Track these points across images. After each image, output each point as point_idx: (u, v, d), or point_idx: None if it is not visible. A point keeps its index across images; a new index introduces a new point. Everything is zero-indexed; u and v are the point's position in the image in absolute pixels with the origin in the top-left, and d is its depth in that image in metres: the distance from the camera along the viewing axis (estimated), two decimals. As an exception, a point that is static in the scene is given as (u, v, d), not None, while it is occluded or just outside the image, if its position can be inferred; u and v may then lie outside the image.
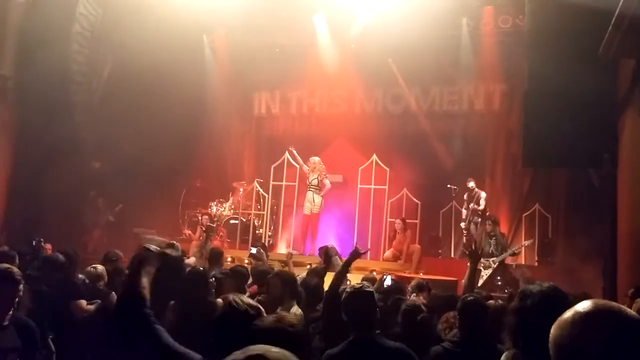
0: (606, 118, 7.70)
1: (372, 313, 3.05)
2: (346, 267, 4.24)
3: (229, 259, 9.15)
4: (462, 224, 10.48)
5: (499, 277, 9.14)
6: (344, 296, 3.19)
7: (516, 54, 10.35)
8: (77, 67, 10.63)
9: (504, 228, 10.99)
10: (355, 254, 4.44)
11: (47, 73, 9.70)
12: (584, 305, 1.23)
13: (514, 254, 9.28)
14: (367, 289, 3.19)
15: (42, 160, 9.96)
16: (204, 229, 7.69)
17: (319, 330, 3.68)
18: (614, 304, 1.24)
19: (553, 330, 1.24)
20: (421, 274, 9.21)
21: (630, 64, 7.25)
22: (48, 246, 6.53)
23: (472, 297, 3.48)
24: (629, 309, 1.23)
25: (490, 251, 9.27)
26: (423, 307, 3.89)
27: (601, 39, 6.58)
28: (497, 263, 9.16)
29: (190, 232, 11.32)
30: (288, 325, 1.78)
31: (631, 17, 5.75)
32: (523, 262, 10.37)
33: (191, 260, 5.72)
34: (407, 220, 10.25)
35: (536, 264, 10.27)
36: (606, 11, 6.12)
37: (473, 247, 4.24)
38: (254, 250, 7.24)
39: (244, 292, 4.88)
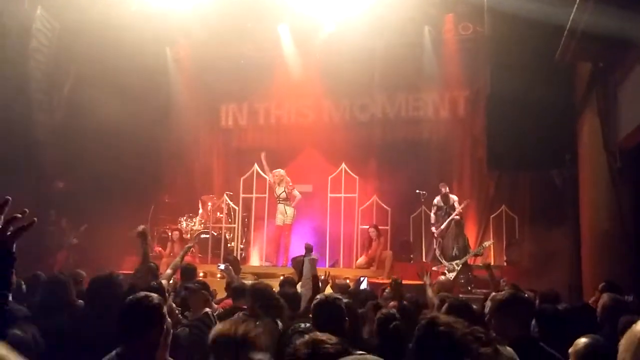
0: (566, 120, 7.96)
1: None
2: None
3: (201, 274, 9.05)
4: (433, 228, 10.62)
5: (462, 276, 9.39)
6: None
7: (478, 60, 10.59)
8: (36, 84, 10.42)
9: (472, 230, 11.20)
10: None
11: (5, 91, 9.47)
12: None
13: (476, 255, 9.47)
14: None
15: (2, 182, 9.68)
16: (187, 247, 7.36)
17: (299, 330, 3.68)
18: None
19: (621, 352, 1.04)
20: (394, 280, 9.29)
21: (586, 67, 7.52)
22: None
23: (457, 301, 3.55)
24: None
25: (454, 254, 9.57)
26: (397, 314, 3.91)
27: (558, 44, 6.81)
28: (460, 265, 9.39)
29: (160, 248, 11.16)
30: None
31: (585, 22, 5.97)
32: (492, 263, 10.56)
33: (164, 282, 5.63)
34: (378, 227, 10.33)
35: (505, 264, 10.46)
36: (562, 18, 6.33)
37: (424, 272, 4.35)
38: (222, 267, 7.18)
39: (210, 305, 4.81)
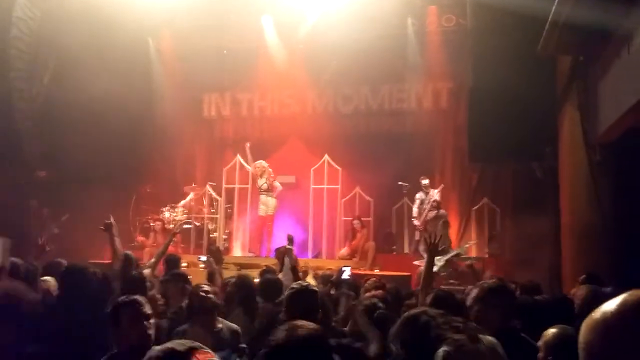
0: (546, 113, 8.04)
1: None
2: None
3: (184, 265, 9.02)
4: (414, 221, 10.67)
5: (442, 271, 9.47)
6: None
7: (461, 52, 10.61)
8: (16, 73, 10.25)
9: (454, 222, 11.28)
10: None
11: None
12: (617, 302, 1.01)
13: (458, 255, 9.48)
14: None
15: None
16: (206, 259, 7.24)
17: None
18: None
19: (582, 334, 1.03)
20: (376, 271, 9.36)
21: (567, 60, 7.59)
22: None
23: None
24: None
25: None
26: (379, 303, 3.91)
27: (540, 37, 6.86)
28: (442, 262, 9.44)
29: (143, 238, 11.11)
30: None
31: (567, 15, 6.02)
32: (474, 255, 10.67)
33: (147, 271, 5.61)
34: (362, 219, 10.38)
35: (486, 255, 10.57)
36: (543, 10, 6.38)
37: (432, 241, 4.27)
38: (203, 259, 7.20)
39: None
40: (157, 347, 1.34)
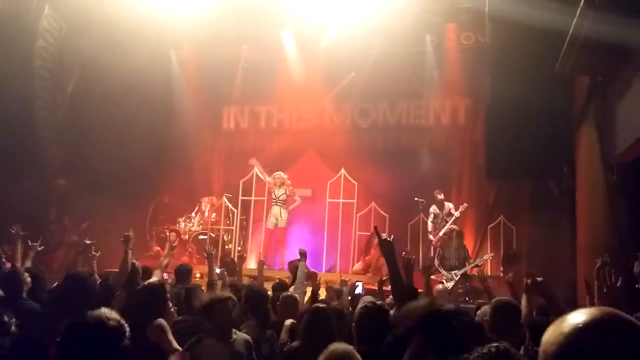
0: (564, 132, 7.98)
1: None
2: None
3: (198, 275, 9.09)
4: (430, 236, 10.63)
5: (460, 286, 9.42)
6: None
7: (479, 69, 10.59)
8: (40, 82, 10.49)
9: (469, 239, 11.20)
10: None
11: (10, 88, 9.57)
12: (587, 314, 1.09)
13: (476, 266, 9.46)
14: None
15: (3, 178, 9.75)
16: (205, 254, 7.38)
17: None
18: (619, 312, 1.10)
19: (545, 343, 1.12)
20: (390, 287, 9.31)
21: (585, 80, 7.55)
22: (7, 265, 6.34)
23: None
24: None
25: (453, 264, 9.58)
26: None
27: (558, 55, 6.85)
28: (458, 276, 9.41)
29: (159, 248, 11.22)
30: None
31: (584, 35, 6.01)
32: (489, 273, 10.56)
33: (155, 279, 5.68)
34: (378, 234, 10.33)
35: (501, 274, 10.45)
36: (562, 29, 6.37)
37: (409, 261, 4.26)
38: (217, 271, 7.27)
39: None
40: None
